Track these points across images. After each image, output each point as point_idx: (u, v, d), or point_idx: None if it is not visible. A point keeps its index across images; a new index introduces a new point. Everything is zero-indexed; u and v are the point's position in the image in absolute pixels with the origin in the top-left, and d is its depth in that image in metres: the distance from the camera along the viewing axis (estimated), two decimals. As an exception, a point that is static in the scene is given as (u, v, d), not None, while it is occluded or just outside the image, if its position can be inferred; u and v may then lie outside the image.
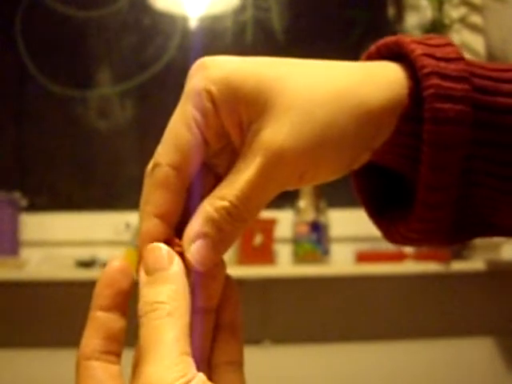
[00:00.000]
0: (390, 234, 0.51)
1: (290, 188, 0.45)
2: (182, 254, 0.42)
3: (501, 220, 0.49)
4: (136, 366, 0.38)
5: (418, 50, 0.46)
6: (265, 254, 1.96)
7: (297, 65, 0.45)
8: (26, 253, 2.09)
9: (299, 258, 1.99)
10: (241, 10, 2.37)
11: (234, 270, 2.14)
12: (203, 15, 2.39)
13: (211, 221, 0.42)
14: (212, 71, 0.43)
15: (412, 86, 0.46)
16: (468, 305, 2.09)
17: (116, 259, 0.45)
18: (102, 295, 0.42)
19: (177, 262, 0.41)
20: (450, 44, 0.48)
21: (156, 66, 2.35)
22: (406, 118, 0.46)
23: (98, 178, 2.41)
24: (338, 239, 2.08)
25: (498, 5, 2.13)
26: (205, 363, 0.44)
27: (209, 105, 0.43)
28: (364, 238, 2.03)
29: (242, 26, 2.36)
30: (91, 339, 0.41)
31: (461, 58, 0.47)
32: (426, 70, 0.45)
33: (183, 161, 0.43)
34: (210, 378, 0.38)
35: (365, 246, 2.01)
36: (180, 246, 0.42)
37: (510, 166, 0.46)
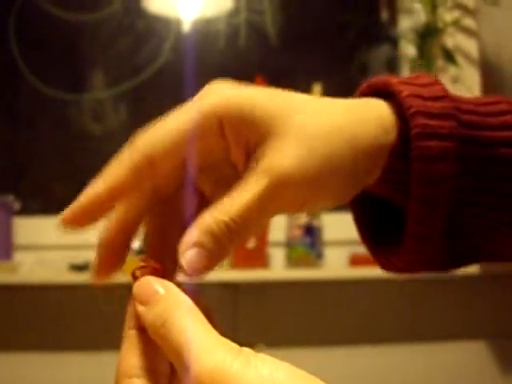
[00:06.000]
0: (385, 264, 0.55)
1: (291, 212, 0.47)
2: (158, 271, 0.43)
3: (492, 247, 0.52)
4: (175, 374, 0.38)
5: (406, 91, 0.49)
6: (258, 258, 1.96)
7: (304, 100, 0.48)
8: (19, 256, 2.08)
9: (293, 261, 1.99)
10: (234, 12, 2.37)
11: (228, 274, 2.13)
12: (197, 18, 2.39)
13: (210, 232, 0.42)
14: (224, 94, 0.45)
15: (400, 125, 0.49)
16: (463, 308, 2.09)
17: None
18: (133, 315, 0.42)
19: (168, 283, 0.41)
20: (436, 83, 0.51)
21: (150, 70, 2.34)
22: (396, 155, 0.49)
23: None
24: (332, 243, 2.08)
25: (492, 8, 2.13)
26: None
27: (214, 126, 0.45)
28: (358, 242, 2.03)
29: (235, 29, 2.36)
30: (129, 358, 0.41)
31: (447, 96, 0.50)
32: (412, 110, 0.48)
33: (158, 155, 0.45)
34: None
35: (359, 250, 2.01)
36: (156, 264, 0.43)
37: (497, 195, 0.49)
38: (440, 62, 2.13)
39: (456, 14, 2.17)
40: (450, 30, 2.16)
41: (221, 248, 0.43)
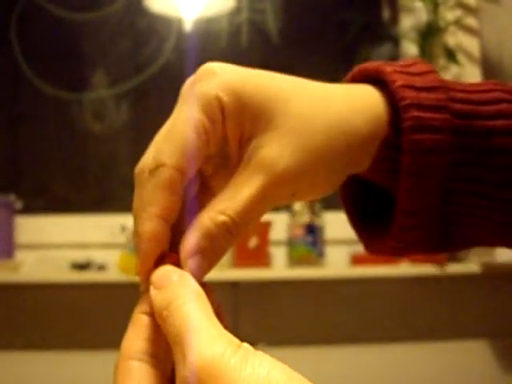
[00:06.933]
0: (369, 245, 0.55)
1: (282, 204, 0.47)
2: (175, 265, 0.42)
3: (483, 234, 0.52)
4: (174, 360, 0.37)
5: (399, 80, 0.48)
6: (260, 257, 1.96)
7: (299, 86, 0.47)
8: (20, 255, 2.08)
9: (294, 260, 1.99)
10: (236, 12, 2.37)
11: (230, 273, 2.13)
12: (198, 17, 2.39)
13: (210, 236, 0.42)
14: (223, 79, 0.45)
15: (392, 115, 0.49)
16: (463, 307, 2.09)
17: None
18: (146, 301, 0.42)
19: (183, 272, 0.41)
20: (430, 71, 0.50)
21: (151, 69, 2.34)
22: (387, 146, 0.49)
23: (93, 181, 2.40)
24: (333, 242, 2.08)
25: (493, 7, 2.13)
26: None
27: (219, 114, 0.44)
28: (359, 241, 2.03)
29: (237, 28, 2.36)
30: (134, 340, 0.40)
31: (441, 86, 0.49)
32: (405, 102, 0.48)
33: (188, 165, 0.43)
34: None
35: (360, 249, 2.00)
36: (174, 258, 0.43)
37: (489, 185, 0.49)
38: (442, 61, 2.13)
39: (458, 12, 2.17)
40: (452, 28, 2.16)
41: (220, 249, 0.43)
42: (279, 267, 2.06)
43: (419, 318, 2.09)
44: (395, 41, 2.34)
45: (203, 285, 0.42)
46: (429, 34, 2.11)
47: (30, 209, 2.19)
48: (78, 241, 2.16)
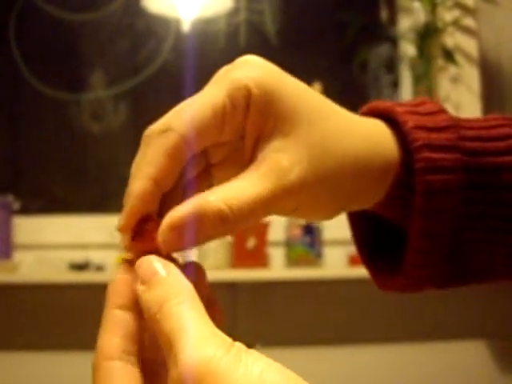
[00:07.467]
0: (379, 281, 0.57)
1: (281, 215, 0.46)
2: (153, 232, 0.41)
3: (494, 269, 0.54)
4: (165, 361, 0.36)
5: (411, 121, 0.49)
6: (258, 257, 1.96)
7: (329, 107, 0.47)
8: (18, 256, 2.08)
9: (292, 261, 1.99)
10: (234, 12, 2.37)
11: (228, 274, 2.13)
12: (196, 18, 2.39)
13: (201, 217, 0.40)
14: (258, 72, 0.44)
15: (403, 154, 0.49)
16: (461, 308, 2.09)
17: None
18: (118, 294, 0.41)
19: (170, 265, 0.39)
20: (440, 110, 0.51)
21: (149, 69, 2.34)
22: (399, 185, 0.50)
23: (92, 181, 2.40)
24: (331, 242, 2.08)
25: (491, 7, 2.13)
26: None
27: (243, 102, 0.43)
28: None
29: (235, 29, 2.36)
30: (111, 338, 0.39)
31: (451, 126, 0.50)
32: (417, 144, 0.48)
33: (196, 138, 0.42)
34: None
35: (358, 249, 2.01)
36: (155, 224, 0.41)
37: (500, 220, 0.50)
38: (440, 62, 2.13)
39: (456, 13, 2.17)
40: (450, 29, 2.16)
41: (204, 236, 0.41)
42: (277, 268, 2.06)
43: (417, 318, 2.09)
44: (393, 41, 2.34)
45: (172, 259, 0.41)
46: (427, 35, 2.11)
47: (28, 209, 2.19)
48: (76, 241, 2.16)
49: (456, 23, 2.15)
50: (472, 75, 2.14)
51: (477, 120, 0.52)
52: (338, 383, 2.03)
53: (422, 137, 0.48)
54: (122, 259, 0.43)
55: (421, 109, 0.51)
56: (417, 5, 2.21)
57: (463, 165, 0.49)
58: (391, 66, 2.36)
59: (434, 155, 0.48)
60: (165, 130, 0.42)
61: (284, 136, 0.44)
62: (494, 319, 2.10)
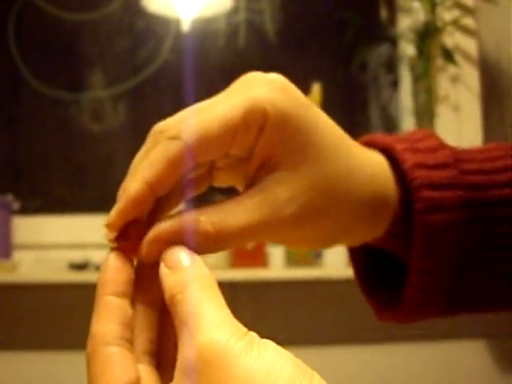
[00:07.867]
0: (380, 314, 0.57)
1: (271, 242, 0.47)
2: (138, 237, 0.42)
3: (495, 301, 0.56)
4: (178, 344, 0.37)
5: (410, 160, 0.49)
6: (257, 257, 1.96)
7: (343, 143, 0.46)
8: (18, 256, 2.08)
9: (292, 260, 1.99)
10: (233, 12, 2.37)
11: (227, 273, 2.13)
12: (196, 18, 2.39)
13: (187, 236, 0.41)
14: (280, 98, 0.43)
15: (402, 192, 0.49)
16: (461, 307, 2.09)
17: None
18: (112, 281, 0.41)
19: (195, 256, 0.40)
20: (441, 147, 0.50)
21: (149, 69, 2.34)
22: (398, 223, 0.50)
23: (91, 181, 2.40)
24: (331, 242, 2.08)
25: (491, 7, 2.13)
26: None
27: (257, 126, 0.43)
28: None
29: (234, 29, 2.36)
30: (107, 325, 0.39)
31: (452, 162, 0.49)
32: (416, 183, 0.48)
33: (201, 152, 0.42)
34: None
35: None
36: (141, 229, 0.42)
37: (501, 250, 0.50)
38: (439, 62, 2.13)
39: (455, 13, 2.17)
40: (450, 29, 2.16)
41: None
42: (277, 267, 2.06)
43: (417, 318, 2.09)
44: (393, 41, 2.34)
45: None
46: (426, 35, 2.11)
47: (27, 209, 2.19)
48: (76, 241, 2.16)
49: (455, 23, 2.15)
50: (471, 75, 2.14)
51: (478, 151, 0.51)
52: (338, 383, 2.03)
53: (421, 175, 0.48)
54: (111, 248, 0.44)
55: (420, 145, 0.50)
56: (416, 5, 2.21)
57: (465, 200, 0.48)
58: (391, 65, 2.36)
59: (434, 193, 0.48)
60: (173, 137, 0.41)
61: (289, 169, 0.43)
62: (494, 319, 2.09)
